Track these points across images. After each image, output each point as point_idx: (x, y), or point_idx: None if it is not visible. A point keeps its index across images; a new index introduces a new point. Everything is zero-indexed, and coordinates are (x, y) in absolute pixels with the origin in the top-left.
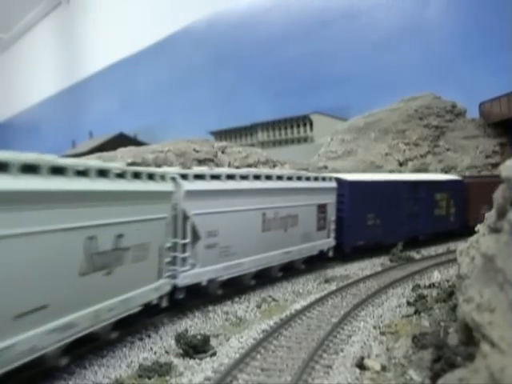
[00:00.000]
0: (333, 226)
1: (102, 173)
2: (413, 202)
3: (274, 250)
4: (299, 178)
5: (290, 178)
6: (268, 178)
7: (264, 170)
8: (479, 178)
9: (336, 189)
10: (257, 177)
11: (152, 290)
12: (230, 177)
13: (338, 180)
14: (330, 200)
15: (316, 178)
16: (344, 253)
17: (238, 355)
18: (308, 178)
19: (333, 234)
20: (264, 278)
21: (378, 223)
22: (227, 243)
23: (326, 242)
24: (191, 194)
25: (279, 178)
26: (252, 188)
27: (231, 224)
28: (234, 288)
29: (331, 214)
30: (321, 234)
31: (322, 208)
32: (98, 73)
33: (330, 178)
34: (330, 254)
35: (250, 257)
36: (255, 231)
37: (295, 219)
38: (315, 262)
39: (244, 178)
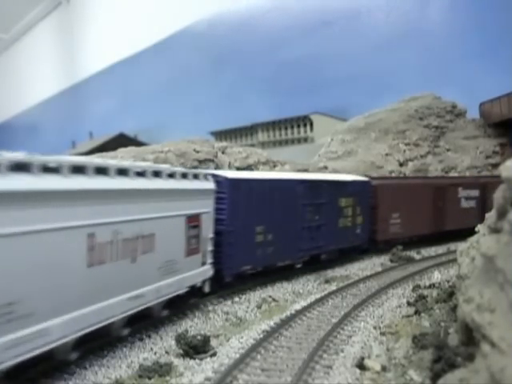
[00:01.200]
0: (210, 247)
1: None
2: (314, 210)
3: (113, 295)
4: (157, 174)
5: (140, 174)
6: (100, 171)
7: (96, 160)
8: (390, 179)
9: (215, 191)
10: (77, 169)
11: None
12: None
13: (216, 178)
14: (206, 208)
15: (184, 175)
16: (223, 283)
17: (238, 355)
18: (172, 175)
19: (210, 260)
20: (93, 343)
21: (270, 239)
22: (9, 297)
23: (200, 271)
24: None
25: (122, 172)
26: (65, 189)
27: (17, 259)
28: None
29: (207, 230)
30: (192, 261)
31: (193, 221)
32: (98, 73)
33: (206, 176)
34: (207, 288)
35: (62, 315)
36: (73, 268)
37: (150, 241)
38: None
39: (50, 170)
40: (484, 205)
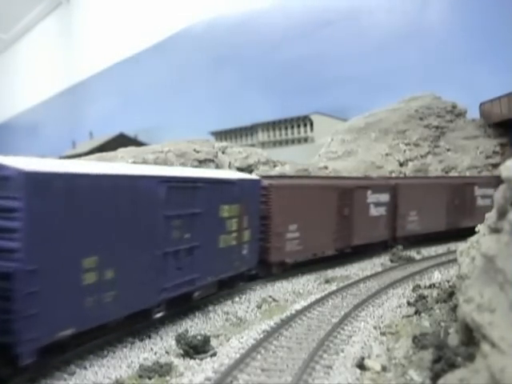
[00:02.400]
0: None
1: None
2: (183, 225)
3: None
4: None
5: None
6: None
7: None
8: (287, 178)
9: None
10: None
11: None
12: None
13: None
14: None
15: None
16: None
17: (238, 355)
18: None
19: None
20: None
21: (109, 278)
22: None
23: None
24: None
25: None
26: None
27: None
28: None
29: None
30: None
31: None
32: (98, 73)
33: None
34: None
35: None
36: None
37: None
38: None
39: None
40: (394, 213)
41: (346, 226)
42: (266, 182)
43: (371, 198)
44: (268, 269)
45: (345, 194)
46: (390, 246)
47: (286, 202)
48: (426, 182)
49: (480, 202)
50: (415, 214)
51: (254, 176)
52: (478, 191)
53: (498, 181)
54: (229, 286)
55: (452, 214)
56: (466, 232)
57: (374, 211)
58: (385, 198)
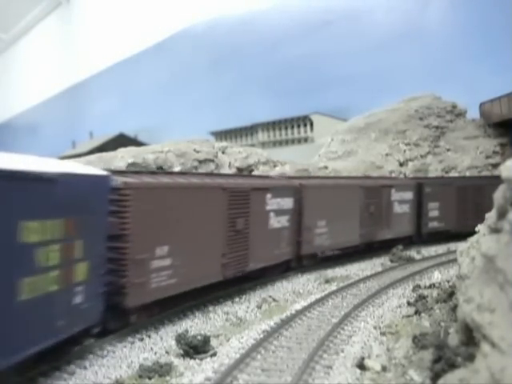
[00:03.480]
0: None
1: None
2: None
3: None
4: None
5: None
6: None
7: None
8: (151, 176)
9: None
10: None
11: None
12: None
13: None
14: None
15: None
16: None
17: (238, 355)
18: None
19: None
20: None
21: None
22: None
23: None
24: None
25: None
26: None
27: None
28: None
29: None
30: None
31: None
32: (98, 73)
33: None
34: None
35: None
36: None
37: None
38: None
39: None
40: (299, 222)
41: (239, 245)
42: (119, 181)
43: (271, 203)
44: (123, 319)
45: (236, 198)
46: (294, 268)
47: (152, 213)
48: (336, 184)
49: (397, 208)
50: (324, 225)
51: (95, 170)
52: (395, 195)
53: (417, 184)
54: (51, 360)
55: (367, 223)
56: (382, 246)
57: (275, 222)
58: (288, 203)
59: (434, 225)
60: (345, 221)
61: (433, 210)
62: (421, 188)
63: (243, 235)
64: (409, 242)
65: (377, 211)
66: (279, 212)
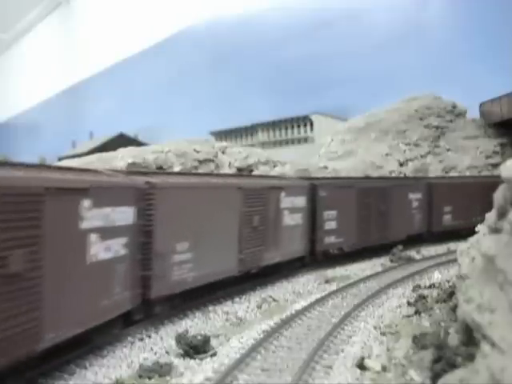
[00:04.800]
0: None
1: None
2: None
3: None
4: None
5: None
6: None
7: None
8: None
9: None
10: None
11: None
12: None
13: None
14: None
15: None
16: None
17: (238, 355)
18: None
19: None
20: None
21: None
22: None
23: None
24: None
25: None
26: None
27: None
28: None
29: None
30: None
31: None
32: (98, 73)
33: None
34: None
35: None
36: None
37: None
38: None
39: None
40: (147, 251)
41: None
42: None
43: (91, 217)
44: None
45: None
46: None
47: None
48: (200, 183)
49: (288, 219)
50: (186, 249)
51: None
52: (285, 201)
53: (311, 185)
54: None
55: (249, 243)
56: (269, 272)
57: (100, 250)
58: (126, 217)
59: (330, 241)
60: (217, 241)
61: (329, 220)
62: (314, 191)
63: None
64: (300, 265)
65: (262, 224)
66: (108, 233)
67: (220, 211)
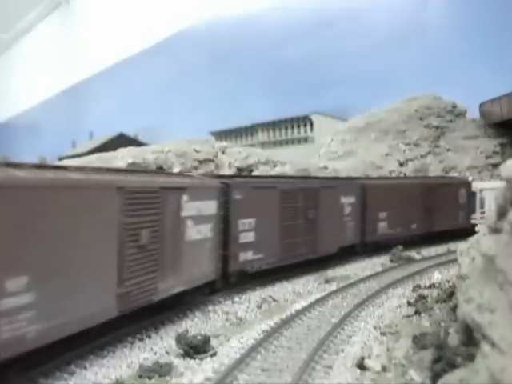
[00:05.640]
0: None
1: None
2: None
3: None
4: None
5: None
6: None
7: None
8: None
9: None
10: None
11: None
12: None
13: None
14: None
15: None
16: None
17: (238, 355)
18: None
19: None
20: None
21: None
22: None
23: None
24: None
25: None
26: None
27: None
28: None
29: None
30: None
31: None
32: (98, 73)
33: None
34: None
35: None
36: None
37: None
38: None
39: None
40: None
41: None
42: None
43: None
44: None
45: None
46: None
47: None
48: (59, 181)
49: (192, 231)
50: (23, 288)
51: None
52: (188, 206)
53: (223, 186)
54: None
55: (133, 270)
56: (169, 304)
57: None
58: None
59: (247, 257)
60: (81, 270)
61: (246, 231)
62: (228, 193)
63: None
64: (210, 291)
65: (155, 241)
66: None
67: (85, 224)
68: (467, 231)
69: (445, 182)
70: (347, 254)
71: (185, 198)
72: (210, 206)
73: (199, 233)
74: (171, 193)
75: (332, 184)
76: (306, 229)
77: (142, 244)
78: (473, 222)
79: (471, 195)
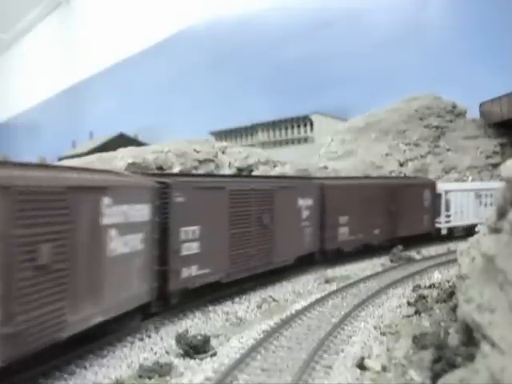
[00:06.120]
0: None
1: None
2: None
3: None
4: None
5: None
6: None
7: None
8: None
9: None
10: None
11: None
12: None
13: None
14: None
15: None
16: None
17: (238, 355)
18: None
19: None
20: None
21: None
22: None
23: None
24: None
25: None
26: None
27: None
28: None
29: None
30: None
31: None
32: (98, 73)
33: None
34: None
35: None
36: None
37: None
38: None
39: None
40: None
41: None
42: None
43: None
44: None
45: None
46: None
47: None
48: None
49: (118, 244)
50: None
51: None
52: (110, 212)
53: (160, 189)
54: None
55: (29, 298)
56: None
57: None
58: None
59: (191, 273)
60: None
61: (190, 241)
62: (166, 195)
63: None
64: (141, 319)
65: (62, 258)
66: None
67: None
68: (431, 236)
69: (409, 183)
70: (305, 264)
71: (106, 201)
72: (142, 211)
73: (126, 245)
74: (86, 194)
75: (288, 184)
76: (259, 236)
77: (41, 264)
78: (437, 226)
79: (436, 197)
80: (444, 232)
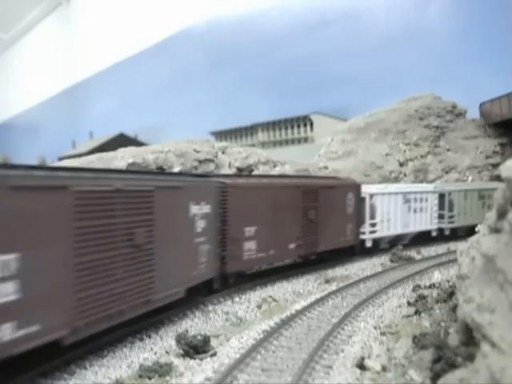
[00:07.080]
0: None
1: None
2: None
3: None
4: None
5: None
6: None
7: None
8: None
9: None
10: None
11: None
12: None
13: None
14: None
15: None
16: None
17: (238, 355)
18: None
19: None
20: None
21: None
22: None
23: None
24: None
25: None
26: None
27: None
28: None
29: None
30: None
31: None
32: (98, 73)
33: None
34: None
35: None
36: None
37: None
38: None
39: None
40: None
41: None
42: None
43: None
44: None
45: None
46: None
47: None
48: None
49: None
50: None
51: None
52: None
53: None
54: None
55: None
56: None
57: None
58: None
59: (5, 336)
60: None
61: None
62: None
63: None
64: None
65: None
66: None
67: None
68: (354, 251)
69: (330, 184)
70: (202, 294)
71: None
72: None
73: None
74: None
75: (176, 183)
76: (130, 264)
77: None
78: (362, 237)
79: (360, 201)
80: (369, 244)
